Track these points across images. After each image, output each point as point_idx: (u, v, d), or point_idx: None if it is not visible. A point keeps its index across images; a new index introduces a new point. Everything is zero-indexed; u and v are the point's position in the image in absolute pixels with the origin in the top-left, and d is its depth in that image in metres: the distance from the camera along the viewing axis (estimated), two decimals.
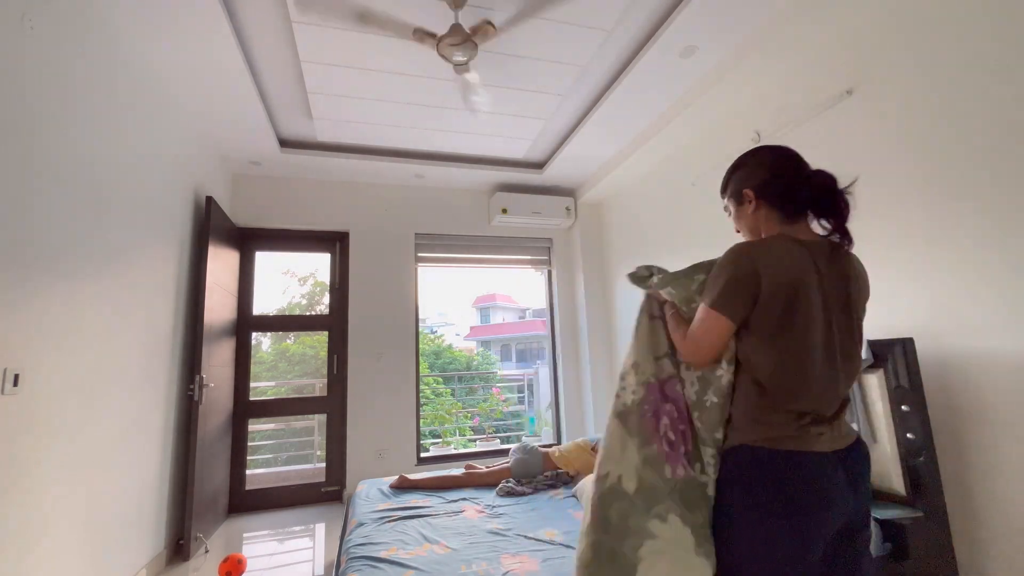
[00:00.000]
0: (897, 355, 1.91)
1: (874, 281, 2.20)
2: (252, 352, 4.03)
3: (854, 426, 2.03)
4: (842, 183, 1.18)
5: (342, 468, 3.90)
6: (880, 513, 1.87)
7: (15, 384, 1.62)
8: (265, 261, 4.22)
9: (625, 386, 1.25)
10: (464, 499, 2.57)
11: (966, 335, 1.86)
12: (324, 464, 4.06)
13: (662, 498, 1.09)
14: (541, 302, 5.04)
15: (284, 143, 3.66)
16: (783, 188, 1.18)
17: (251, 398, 3.95)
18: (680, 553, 1.04)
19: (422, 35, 2.28)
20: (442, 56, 2.32)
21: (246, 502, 3.73)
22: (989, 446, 1.80)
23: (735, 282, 1.08)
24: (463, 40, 2.25)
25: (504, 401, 7.39)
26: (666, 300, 1.34)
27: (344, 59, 2.68)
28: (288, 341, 7.87)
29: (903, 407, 1.90)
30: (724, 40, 2.52)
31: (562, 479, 2.73)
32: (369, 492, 2.73)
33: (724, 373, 1.14)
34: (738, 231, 1.31)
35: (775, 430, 1.04)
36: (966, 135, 1.87)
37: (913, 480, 1.87)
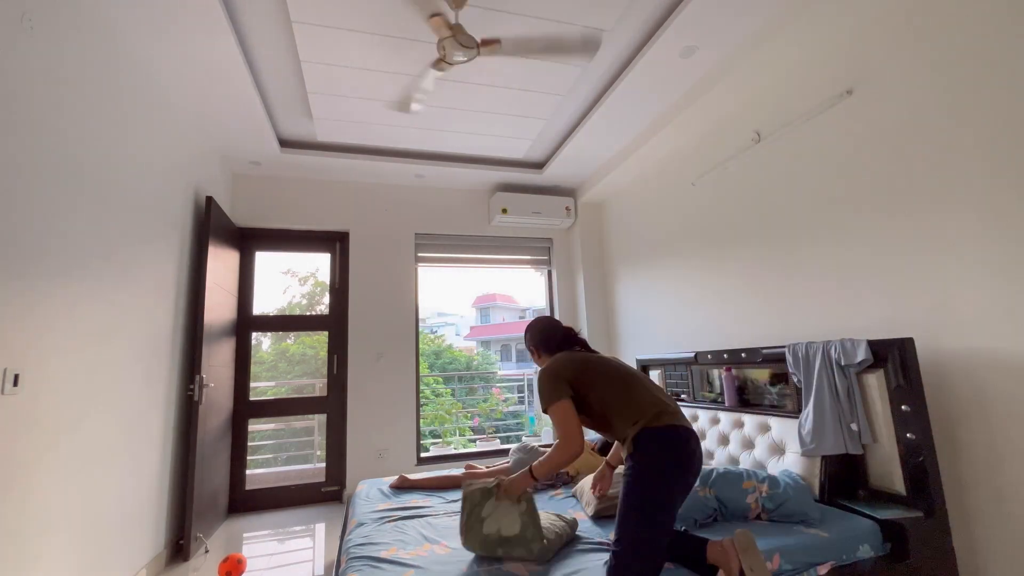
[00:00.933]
0: (897, 355, 1.91)
1: (875, 281, 2.21)
2: (252, 352, 4.03)
3: (853, 427, 2.04)
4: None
5: (342, 468, 3.90)
6: (880, 513, 1.87)
7: (15, 384, 1.61)
8: (265, 261, 4.22)
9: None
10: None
11: (966, 335, 1.86)
12: (324, 464, 4.06)
13: None
14: (541, 302, 5.04)
15: (284, 143, 3.66)
16: (547, 341, 2.04)
17: (251, 398, 3.95)
18: None
19: (441, 23, 2.23)
20: (440, 48, 2.31)
21: (246, 502, 3.73)
22: (989, 446, 1.80)
23: (557, 383, 1.74)
24: (472, 46, 2.26)
25: (504, 401, 7.38)
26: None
27: (344, 59, 2.68)
28: (288, 341, 7.87)
29: (903, 407, 1.90)
30: (724, 40, 2.52)
31: (562, 479, 2.74)
32: (369, 492, 2.73)
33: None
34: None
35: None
36: (966, 135, 1.87)
37: (913, 480, 1.87)
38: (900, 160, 2.09)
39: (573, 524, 1.96)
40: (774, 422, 2.37)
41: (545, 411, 1.72)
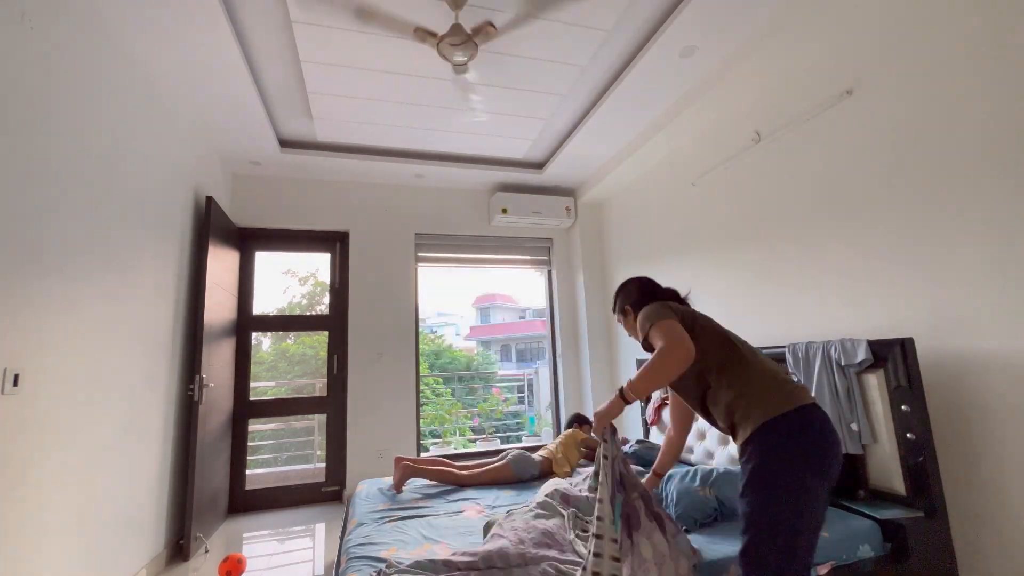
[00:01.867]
0: (897, 355, 1.91)
1: (875, 281, 2.20)
2: (252, 352, 4.03)
3: (853, 427, 2.04)
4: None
5: (342, 468, 3.90)
6: (880, 513, 1.87)
7: (15, 384, 1.61)
8: (265, 261, 4.22)
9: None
10: (465, 499, 2.57)
11: (966, 335, 1.86)
12: (324, 464, 4.06)
13: None
14: (541, 302, 5.04)
15: (284, 143, 3.66)
16: (648, 298, 1.64)
17: (251, 398, 3.95)
18: None
19: (423, 34, 2.28)
20: (442, 56, 2.33)
21: (246, 502, 3.73)
22: (989, 446, 1.80)
23: (666, 312, 1.46)
24: (464, 40, 2.25)
25: (504, 401, 7.39)
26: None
27: (344, 59, 2.68)
28: (288, 341, 7.86)
29: (903, 407, 1.90)
30: (724, 40, 2.52)
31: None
32: (369, 492, 2.73)
33: None
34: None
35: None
36: (965, 135, 1.87)
37: (913, 480, 1.87)
38: (900, 160, 2.09)
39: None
40: None
41: (645, 338, 1.43)
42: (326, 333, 4.20)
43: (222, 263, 3.43)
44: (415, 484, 2.79)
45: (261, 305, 4.15)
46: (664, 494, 2.18)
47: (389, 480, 2.89)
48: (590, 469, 2.67)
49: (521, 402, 7.12)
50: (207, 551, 2.93)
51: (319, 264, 6.82)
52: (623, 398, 1.38)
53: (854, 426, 2.03)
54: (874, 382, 2.03)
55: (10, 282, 1.61)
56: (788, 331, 2.62)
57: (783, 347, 2.37)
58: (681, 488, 2.10)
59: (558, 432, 4.64)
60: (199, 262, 3.17)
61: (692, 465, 2.66)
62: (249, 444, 3.93)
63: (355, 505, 2.53)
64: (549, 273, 4.92)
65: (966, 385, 1.86)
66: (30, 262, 1.70)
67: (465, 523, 2.20)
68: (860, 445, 2.03)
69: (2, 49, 1.57)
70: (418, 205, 4.42)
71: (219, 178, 3.68)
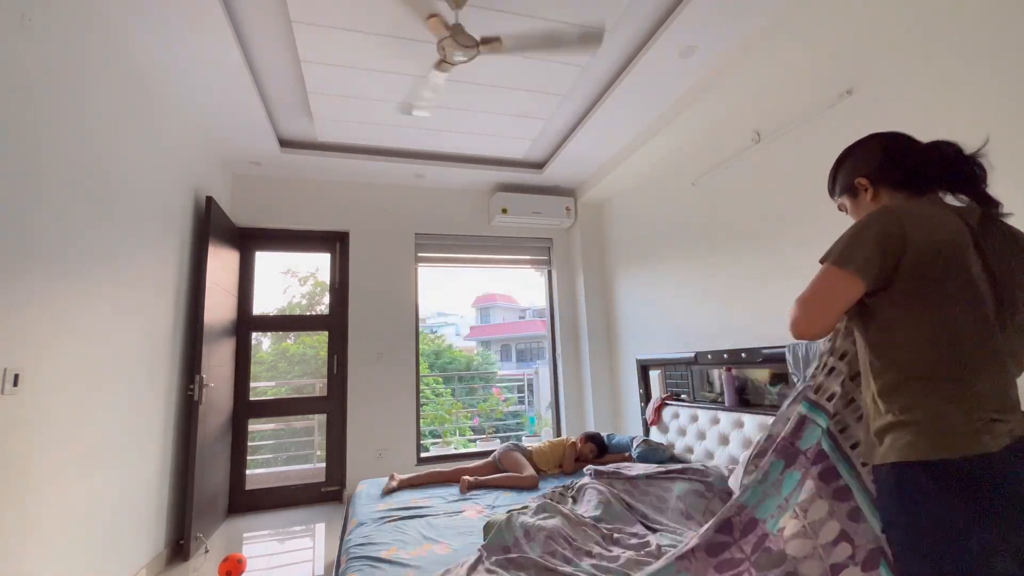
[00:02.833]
0: None
1: None
2: (252, 352, 4.03)
3: None
4: (969, 148, 1.06)
5: (342, 468, 3.90)
6: None
7: (15, 384, 1.61)
8: (265, 261, 4.22)
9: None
10: (464, 499, 2.57)
11: None
12: (324, 464, 4.06)
13: None
14: (541, 302, 5.04)
15: (284, 143, 3.66)
16: (902, 166, 1.07)
17: (251, 398, 3.95)
18: None
19: (438, 23, 2.23)
20: (440, 50, 2.30)
21: (246, 502, 3.73)
22: None
23: (873, 237, 0.91)
24: (472, 45, 2.25)
25: (504, 401, 7.39)
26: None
27: (344, 59, 2.68)
28: (288, 341, 7.86)
29: None
30: (724, 40, 2.52)
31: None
32: (369, 492, 2.73)
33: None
34: None
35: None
36: (965, 135, 1.86)
37: None
38: None
39: None
40: None
41: (821, 263, 0.99)
42: (326, 333, 4.20)
43: (222, 263, 3.43)
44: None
45: (261, 305, 4.15)
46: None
47: (388, 479, 2.89)
48: (575, 479, 2.73)
49: (521, 402, 7.12)
50: (207, 551, 2.93)
51: (319, 264, 6.82)
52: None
53: None
54: None
55: (10, 282, 1.61)
56: (788, 331, 2.62)
57: (783, 347, 2.37)
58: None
59: (558, 432, 4.65)
60: (199, 262, 3.17)
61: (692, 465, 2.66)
62: (249, 444, 3.93)
63: (355, 505, 2.54)
64: (549, 273, 4.92)
65: None
66: (30, 262, 1.70)
67: (465, 523, 2.20)
68: None
69: (2, 49, 1.57)
70: (418, 205, 4.42)
71: (219, 178, 3.68)
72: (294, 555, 2.93)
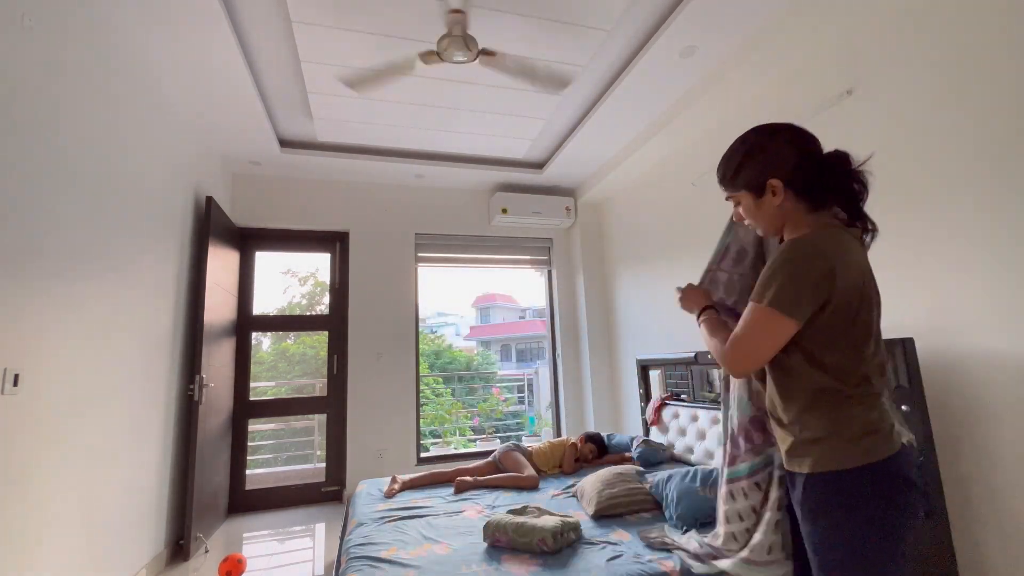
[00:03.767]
0: (897, 355, 1.91)
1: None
2: (252, 352, 4.03)
3: None
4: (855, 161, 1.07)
5: (342, 468, 3.90)
6: None
7: (15, 384, 1.61)
8: (265, 261, 4.22)
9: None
10: (464, 499, 2.57)
11: (966, 335, 1.86)
12: (324, 464, 4.06)
13: None
14: (541, 302, 5.04)
15: (284, 143, 3.66)
16: (811, 174, 1.05)
17: (251, 398, 3.95)
18: None
19: (461, 19, 2.28)
20: (440, 44, 2.32)
21: (246, 502, 3.73)
22: (989, 446, 1.80)
23: (813, 283, 0.95)
24: (473, 49, 2.28)
25: (504, 401, 7.38)
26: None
27: (344, 59, 2.68)
28: (288, 341, 7.86)
29: (903, 407, 1.90)
30: (724, 40, 2.52)
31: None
32: (369, 492, 2.73)
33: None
34: (749, 225, 1.20)
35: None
36: (966, 135, 1.87)
37: None
38: (900, 160, 2.08)
39: (576, 526, 1.96)
40: None
41: (756, 302, 1.00)
42: (326, 333, 4.20)
43: (222, 263, 3.43)
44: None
45: (261, 305, 4.15)
46: (664, 494, 2.18)
47: (389, 480, 2.89)
48: (569, 480, 2.75)
49: (521, 402, 7.12)
50: (207, 551, 2.93)
51: (319, 264, 6.81)
52: (701, 306, 1.24)
53: None
54: None
55: (10, 282, 1.61)
56: None
57: None
58: (682, 488, 2.10)
59: (558, 432, 4.65)
60: (199, 262, 3.17)
61: (692, 465, 2.66)
62: (249, 444, 3.93)
63: (355, 505, 2.53)
64: (549, 273, 4.92)
65: (966, 385, 1.86)
66: (30, 262, 1.70)
67: (465, 523, 2.20)
68: None
69: (2, 49, 1.57)
70: (418, 205, 4.42)
71: (219, 178, 3.68)
72: (294, 555, 2.93)
